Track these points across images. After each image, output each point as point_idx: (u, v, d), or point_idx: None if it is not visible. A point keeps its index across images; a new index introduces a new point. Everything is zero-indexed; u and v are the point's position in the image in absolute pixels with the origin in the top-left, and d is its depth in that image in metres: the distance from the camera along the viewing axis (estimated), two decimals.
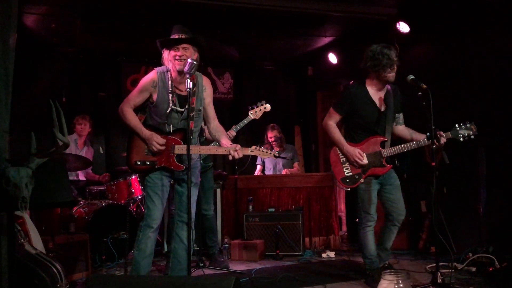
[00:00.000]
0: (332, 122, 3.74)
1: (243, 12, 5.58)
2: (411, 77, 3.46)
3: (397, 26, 5.52)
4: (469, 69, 4.64)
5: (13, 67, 2.52)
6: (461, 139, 3.54)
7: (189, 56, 3.18)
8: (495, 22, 4.39)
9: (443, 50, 5.06)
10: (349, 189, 3.73)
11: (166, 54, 3.28)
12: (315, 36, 6.70)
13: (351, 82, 6.28)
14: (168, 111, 3.26)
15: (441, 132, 3.50)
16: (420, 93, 3.32)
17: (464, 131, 3.54)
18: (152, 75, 3.31)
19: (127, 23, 5.92)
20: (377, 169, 3.65)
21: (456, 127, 3.55)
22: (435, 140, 3.37)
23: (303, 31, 6.51)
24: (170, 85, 3.29)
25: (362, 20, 5.89)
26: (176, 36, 3.25)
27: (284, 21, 6.03)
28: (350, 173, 3.69)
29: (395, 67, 3.59)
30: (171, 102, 3.26)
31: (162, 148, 3.22)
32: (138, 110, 3.40)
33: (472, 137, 3.54)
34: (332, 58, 6.96)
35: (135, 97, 3.31)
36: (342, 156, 3.72)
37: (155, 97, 3.28)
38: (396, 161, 3.77)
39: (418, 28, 5.38)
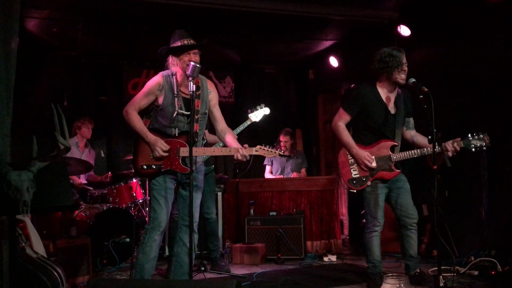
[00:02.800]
0: (341, 123, 3.70)
1: (244, 15, 5.59)
2: (412, 80, 3.45)
3: (398, 30, 5.52)
4: (470, 72, 4.64)
5: (15, 70, 2.52)
6: (473, 149, 3.46)
7: (198, 60, 3.21)
8: (496, 26, 4.39)
9: (444, 53, 5.06)
10: (355, 191, 3.71)
11: (173, 59, 3.28)
12: (316, 39, 6.70)
13: (352, 85, 6.32)
14: (174, 114, 3.27)
15: (454, 141, 3.44)
16: (421, 96, 3.31)
17: (476, 142, 3.45)
18: (158, 79, 3.31)
19: (128, 27, 5.93)
20: (385, 173, 3.62)
21: (469, 137, 3.47)
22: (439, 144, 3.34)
23: (304, 34, 6.51)
24: (175, 88, 3.30)
25: (363, 24, 5.89)
26: (186, 42, 3.26)
27: (285, 24, 6.04)
28: (358, 175, 3.67)
29: (405, 69, 3.57)
30: (177, 105, 3.27)
31: (165, 154, 3.22)
32: (142, 113, 3.40)
33: (485, 148, 3.44)
34: (333, 61, 6.96)
35: (140, 100, 3.30)
36: (351, 157, 3.70)
37: (160, 100, 3.28)
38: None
39: (419, 32, 5.38)
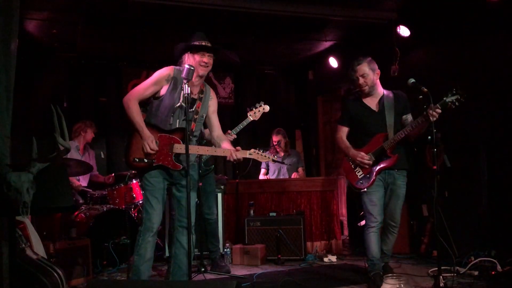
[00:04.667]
0: (340, 135, 3.94)
1: (243, 16, 5.59)
2: (412, 81, 3.47)
3: (398, 30, 5.53)
4: (469, 72, 4.65)
5: (14, 72, 2.53)
6: (453, 106, 3.39)
7: (211, 64, 3.36)
8: (495, 26, 4.40)
9: (443, 53, 5.07)
10: (365, 190, 3.78)
11: (188, 57, 3.35)
12: (315, 40, 6.71)
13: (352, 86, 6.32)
14: (177, 105, 3.28)
15: (431, 106, 3.37)
16: (421, 96, 3.32)
17: (450, 98, 3.41)
18: (169, 70, 3.35)
19: (128, 28, 5.94)
20: (384, 162, 3.72)
21: (444, 98, 3.43)
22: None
23: (304, 35, 6.52)
24: (182, 84, 3.30)
25: (363, 24, 5.90)
26: (203, 43, 3.34)
27: (285, 25, 6.05)
28: (363, 175, 3.78)
29: (359, 77, 3.76)
30: (181, 97, 3.28)
31: (152, 152, 3.22)
32: (140, 106, 3.40)
33: (463, 100, 3.37)
34: (333, 62, 6.96)
35: (146, 89, 3.30)
36: (352, 162, 3.83)
37: (163, 90, 3.30)
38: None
39: (418, 32, 5.39)
